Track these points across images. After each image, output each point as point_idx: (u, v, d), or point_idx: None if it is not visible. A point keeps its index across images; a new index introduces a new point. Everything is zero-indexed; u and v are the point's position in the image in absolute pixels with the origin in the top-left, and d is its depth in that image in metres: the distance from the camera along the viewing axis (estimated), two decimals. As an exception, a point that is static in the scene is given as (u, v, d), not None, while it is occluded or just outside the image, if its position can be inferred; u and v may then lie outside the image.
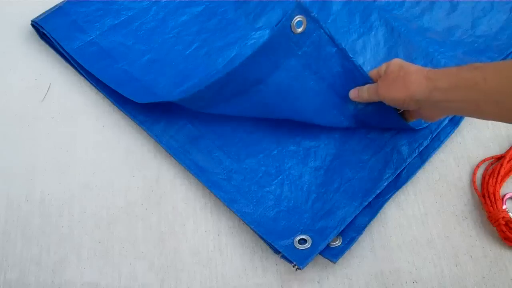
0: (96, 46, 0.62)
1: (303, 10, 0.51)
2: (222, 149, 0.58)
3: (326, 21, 0.68)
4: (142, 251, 0.55)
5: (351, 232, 0.55)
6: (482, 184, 0.59)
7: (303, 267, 0.51)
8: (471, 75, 0.43)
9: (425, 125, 0.60)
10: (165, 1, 0.67)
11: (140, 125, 0.59)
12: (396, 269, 0.55)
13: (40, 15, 0.63)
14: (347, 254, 0.54)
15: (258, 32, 0.67)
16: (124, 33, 0.64)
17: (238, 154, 0.58)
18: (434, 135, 0.60)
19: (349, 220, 0.54)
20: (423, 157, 0.60)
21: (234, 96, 0.54)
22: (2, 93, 0.62)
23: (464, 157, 0.62)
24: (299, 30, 0.52)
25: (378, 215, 0.57)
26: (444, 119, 0.61)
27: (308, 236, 0.53)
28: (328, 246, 0.53)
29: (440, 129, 0.61)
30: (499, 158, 0.61)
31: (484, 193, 0.58)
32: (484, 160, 0.61)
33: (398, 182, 0.58)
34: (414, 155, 0.59)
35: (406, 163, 0.59)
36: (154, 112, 0.59)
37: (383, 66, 0.53)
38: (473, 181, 0.60)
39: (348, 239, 0.54)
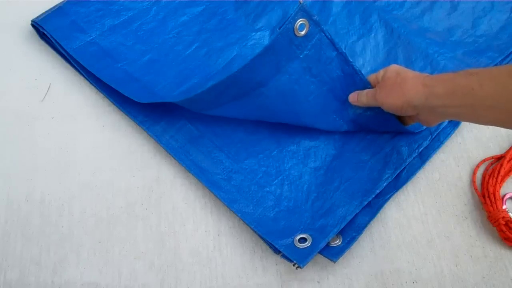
0: (96, 46, 0.62)
1: (306, 13, 0.51)
2: (222, 149, 0.58)
3: (326, 22, 0.68)
4: (142, 251, 0.55)
5: (351, 231, 0.55)
6: (482, 184, 0.59)
7: (303, 266, 0.50)
8: (467, 81, 0.43)
9: (424, 128, 0.60)
10: (165, 2, 0.67)
11: (140, 125, 0.59)
12: (396, 269, 0.55)
13: (40, 15, 0.63)
14: (347, 254, 0.54)
15: (258, 33, 0.67)
16: (124, 33, 0.64)
17: (238, 154, 0.59)
18: (433, 136, 0.61)
19: (349, 218, 0.54)
20: (423, 157, 0.60)
21: (235, 99, 0.54)
22: (2, 93, 0.62)
23: (464, 157, 0.62)
24: (302, 33, 0.52)
25: (378, 215, 0.57)
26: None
27: (308, 235, 0.53)
28: (328, 245, 0.53)
29: (440, 130, 0.61)
30: (499, 158, 0.61)
31: (484, 193, 0.58)
32: (484, 160, 0.61)
33: (398, 182, 0.58)
34: (414, 155, 0.59)
35: (406, 164, 0.59)
36: (154, 112, 0.59)
37: (381, 72, 0.54)
38: (473, 181, 0.60)
39: (348, 239, 0.54)
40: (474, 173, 0.60)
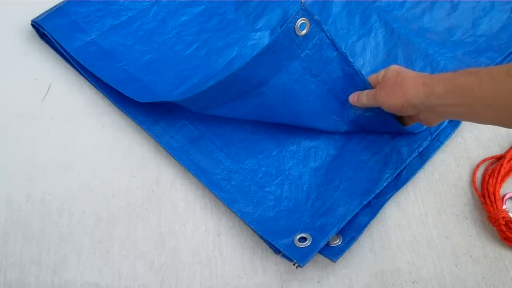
0: (96, 46, 0.62)
1: (307, 12, 0.51)
2: (222, 149, 0.59)
3: (326, 22, 0.68)
4: (142, 251, 0.55)
5: (351, 231, 0.55)
6: (482, 184, 0.59)
7: (303, 265, 0.50)
8: (467, 80, 0.43)
9: (424, 128, 0.60)
10: (165, 2, 0.67)
11: (140, 125, 0.59)
12: (396, 269, 0.55)
13: (40, 15, 0.63)
14: (347, 254, 0.54)
15: (258, 33, 0.67)
16: (124, 33, 0.64)
17: (238, 155, 0.59)
18: (433, 136, 0.61)
19: (349, 217, 0.54)
20: (423, 157, 0.60)
21: (235, 98, 0.54)
22: (2, 93, 0.62)
23: (464, 157, 0.62)
24: (303, 32, 0.52)
25: (378, 215, 0.57)
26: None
27: (308, 234, 0.53)
28: (328, 245, 0.53)
29: (440, 130, 0.61)
30: (499, 158, 0.61)
31: (484, 193, 0.58)
32: (484, 160, 0.61)
33: (398, 182, 0.58)
34: (414, 155, 0.59)
35: (406, 164, 0.59)
36: (154, 112, 0.59)
37: (381, 73, 0.54)
38: (473, 181, 0.60)
39: (348, 238, 0.54)
40: (474, 173, 0.60)
